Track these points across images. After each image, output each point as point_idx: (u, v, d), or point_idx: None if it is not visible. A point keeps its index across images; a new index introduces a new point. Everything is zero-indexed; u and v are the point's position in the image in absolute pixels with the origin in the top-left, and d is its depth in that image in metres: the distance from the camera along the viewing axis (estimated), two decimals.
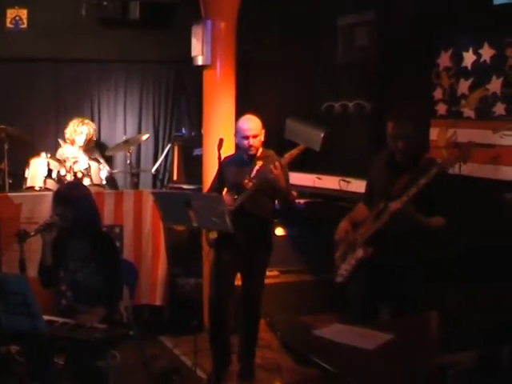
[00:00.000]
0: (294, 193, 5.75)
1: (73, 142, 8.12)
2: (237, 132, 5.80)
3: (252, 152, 5.72)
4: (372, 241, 4.78)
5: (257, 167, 5.56)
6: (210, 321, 6.03)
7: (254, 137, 5.68)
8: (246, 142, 5.70)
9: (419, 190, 4.47)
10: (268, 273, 6.20)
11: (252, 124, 5.72)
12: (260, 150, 5.80)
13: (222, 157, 5.50)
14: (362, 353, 3.41)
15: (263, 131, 5.77)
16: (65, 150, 8.05)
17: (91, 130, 8.19)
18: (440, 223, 4.65)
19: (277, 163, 5.37)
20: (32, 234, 4.96)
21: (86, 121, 8.28)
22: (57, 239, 5.11)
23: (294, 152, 5.54)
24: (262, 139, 5.78)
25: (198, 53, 6.96)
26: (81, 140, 8.08)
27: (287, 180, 5.67)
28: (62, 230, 5.05)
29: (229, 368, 6.03)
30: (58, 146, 8.26)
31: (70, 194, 4.98)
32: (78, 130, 8.10)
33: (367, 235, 4.79)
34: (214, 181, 5.94)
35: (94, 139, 8.34)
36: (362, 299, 4.92)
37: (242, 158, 5.82)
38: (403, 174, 4.70)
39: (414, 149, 4.75)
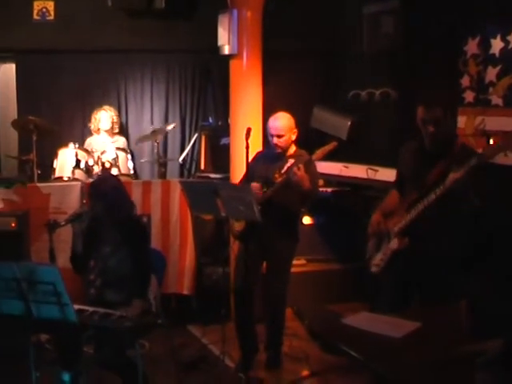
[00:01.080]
0: (316, 192, 5.75)
1: (98, 131, 8.19)
2: (267, 128, 5.82)
3: (278, 150, 5.73)
4: (407, 231, 4.75)
5: (288, 164, 5.52)
6: (236, 310, 6.07)
7: (279, 136, 5.68)
8: (271, 139, 5.73)
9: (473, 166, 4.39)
10: (295, 261, 6.22)
11: (278, 123, 5.70)
12: (293, 148, 5.81)
13: (252, 149, 5.50)
14: (390, 341, 3.39)
15: (294, 130, 5.75)
16: (92, 141, 8.12)
17: (110, 113, 8.28)
18: (478, 203, 4.55)
19: (300, 165, 5.37)
20: (62, 223, 5.01)
21: (104, 107, 8.34)
22: (90, 226, 5.19)
23: (326, 148, 5.52)
24: (292, 138, 5.76)
25: (225, 42, 6.97)
26: (104, 125, 8.16)
27: (315, 176, 5.69)
28: (95, 218, 5.12)
29: (256, 356, 6.06)
30: (84, 137, 8.33)
31: (100, 188, 5.08)
32: (97, 117, 8.20)
33: (401, 226, 4.74)
34: (244, 175, 5.94)
35: (117, 122, 8.43)
36: (395, 289, 4.86)
37: (274, 153, 5.80)
38: (436, 162, 4.63)
39: (444, 134, 4.66)
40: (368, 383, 4.64)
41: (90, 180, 7.23)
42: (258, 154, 6.01)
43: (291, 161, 5.54)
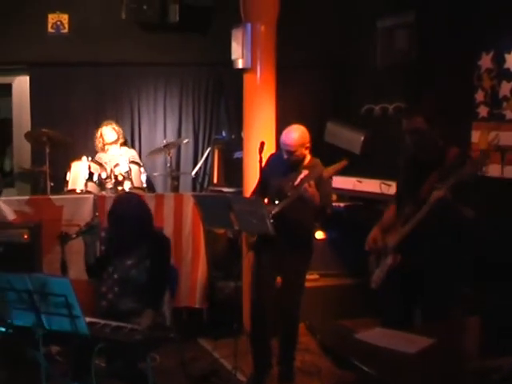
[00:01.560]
0: (329, 210, 5.70)
1: (104, 148, 8.21)
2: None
3: (291, 164, 5.71)
4: (401, 247, 4.73)
5: (302, 176, 5.45)
6: (252, 324, 6.02)
7: (289, 153, 5.62)
8: (284, 153, 5.68)
9: (457, 181, 4.40)
10: (308, 276, 6.18)
11: (289, 139, 5.62)
12: (308, 157, 5.77)
13: (266, 157, 5.47)
14: (404, 357, 3.37)
15: (307, 145, 5.69)
16: (102, 156, 8.14)
17: (111, 126, 8.34)
18: (471, 215, 4.55)
19: (311, 182, 5.34)
20: (73, 236, 5.02)
21: (104, 122, 8.39)
22: (108, 242, 5.22)
23: (336, 166, 5.53)
24: (305, 153, 5.70)
25: (239, 56, 6.96)
26: (110, 137, 8.25)
27: (326, 193, 5.66)
28: (114, 237, 5.13)
29: (269, 372, 6.02)
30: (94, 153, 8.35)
31: (123, 210, 5.09)
32: (100, 134, 8.27)
33: (395, 242, 4.74)
34: (257, 184, 5.93)
35: (120, 131, 8.43)
36: (394, 305, 4.89)
37: (288, 162, 5.77)
38: (429, 173, 4.63)
39: (429, 143, 4.68)
40: None
41: (103, 193, 7.26)
42: (271, 156, 5.98)
43: (305, 172, 5.48)
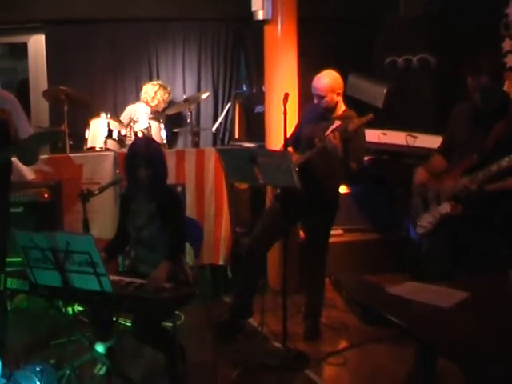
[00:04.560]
0: (354, 165, 5.56)
1: (148, 103, 8.14)
2: None
3: (322, 110, 5.63)
4: (461, 197, 4.58)
5: (333, 126, 5.35)
6: (242, 270, 6.04)
7: (319, 97, 5.58)
8: (315, 98, 5.63)
9: None
10: (332, 231, 6.10)
11: (319, 83, 5.59)
12: (342, 108, 5.70)
13: (289, 115, 5.34)
14: (438, 311, 3.28)
15: (338, 91, 5.63)
16: (137, 108, 8.06)
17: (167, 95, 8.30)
18: None
19: (336, 133, 5.26)
20: (96, 192, 4.91)
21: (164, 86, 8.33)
22: (124, 196, 5.08)
23: (362, 120, 5.42)
24: (336, 99, 5.63)
25: (259, 7, 6.81)
26: (159, 106, 8.22)
27: (357, 147, 5.54)
28: (130, 187, 4.99)
29: (245, 322, 6.08)
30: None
31: (149, 151, 4.86)
32: (158, 96, 8.17)
33: (455, 190, 4.58)
34: (291, 134, 5.83)
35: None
36: (442, 257, 4.70)
37: (321, 111, 5.69)
38: (492, 125, 4.46)
39: (493, 100, 4.52)
40: (415, 354, 4.57)
41: (123, 150, 7.16)
42: (307, 106, 5.94)
43: (337, 122, 5.38)
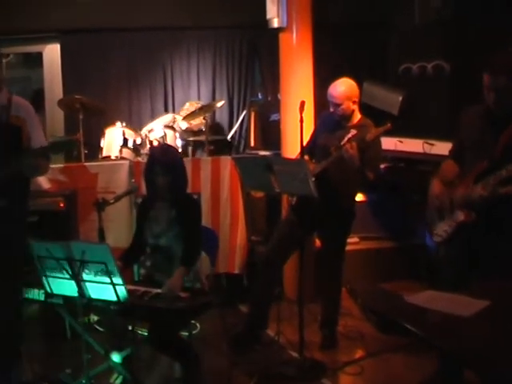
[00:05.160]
0: (371, 175, 5.52)
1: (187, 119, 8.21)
2: None
3: (338, 118, 5.61)
4: (473, 204, 4.53)
5: (349, 135, 5.35)
6: (259, 280, 5.99)
7: (335, 105, 5.56)
8: (331, 106, 5.61)
9: None
10: (348, 239, 6.07)
11: (335, 91, 5.57)
12: (358, 116, 5.68)
13: (305, 123, 5.32)
14: (458, 320, 3.24)
15: (354, 99, 5.60)
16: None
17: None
18: None
19: (353, 143, 5.21)
20: (111, 201, 4.90)
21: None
22: (142, 204, 5.07)
23: (380, 129, 5.38)
24: (352, 107, 5.60)
25: (274, 15, 6.80)
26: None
27: (373, 156, 5.50)
28: (149, 194, 4.98)
29: (262, 332, 6.01)
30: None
31: (167, 158, 4.86)
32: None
33: (469, 199, 4.52)
34: (307, 143, 5.76)
35: None
36: (458, 264, 4.66)
37: (337, 119, 5.67)
38: (504, 129, 4.42)
39: (508, 102, 4.43)
40: (435, 364, 4.53)
41: (139, 159, 7.16)
42: (323, 115, 5.93)
43: (353, 131, 5.37)
